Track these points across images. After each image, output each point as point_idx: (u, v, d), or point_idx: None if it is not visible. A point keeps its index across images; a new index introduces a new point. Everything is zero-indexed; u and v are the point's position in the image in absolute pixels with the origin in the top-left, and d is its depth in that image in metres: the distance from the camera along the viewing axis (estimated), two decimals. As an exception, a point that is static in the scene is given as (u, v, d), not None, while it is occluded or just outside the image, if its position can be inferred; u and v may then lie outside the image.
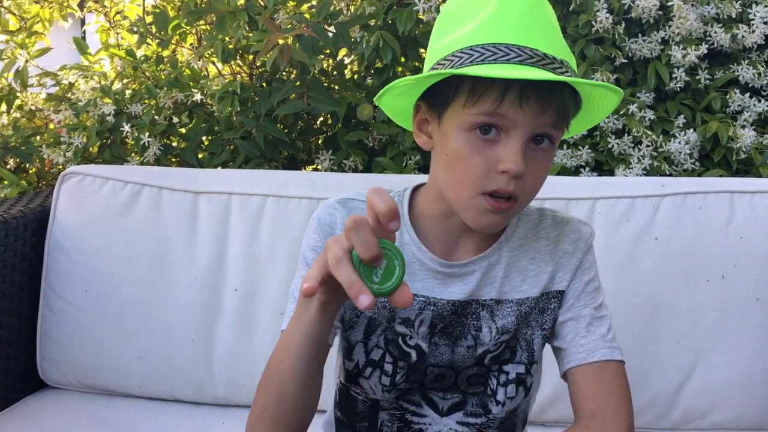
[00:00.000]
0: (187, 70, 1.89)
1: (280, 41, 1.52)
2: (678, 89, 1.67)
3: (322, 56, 1.80)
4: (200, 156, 1.80)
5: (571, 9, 1.70)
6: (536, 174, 0.81)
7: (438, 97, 0.83)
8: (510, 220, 0.87)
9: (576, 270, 0.92)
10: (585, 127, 0.92)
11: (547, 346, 0.96)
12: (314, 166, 1.79)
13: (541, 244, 0.92)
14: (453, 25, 0.83)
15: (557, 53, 0.79)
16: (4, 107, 1.89)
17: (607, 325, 0.90)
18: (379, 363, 0.92)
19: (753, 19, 1.65)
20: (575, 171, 1.65)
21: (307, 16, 1.73)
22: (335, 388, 1.01)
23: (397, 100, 0.89)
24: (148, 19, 1.94)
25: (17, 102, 1.89)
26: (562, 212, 0.96)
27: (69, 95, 1.88)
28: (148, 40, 1.91)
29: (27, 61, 1.85)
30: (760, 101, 1.66)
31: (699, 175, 1.61)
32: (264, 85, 1.79)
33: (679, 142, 1.60)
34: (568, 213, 0.97)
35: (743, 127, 1.62)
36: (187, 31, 1.93)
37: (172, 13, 1.90)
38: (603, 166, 1.68)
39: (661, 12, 1.66)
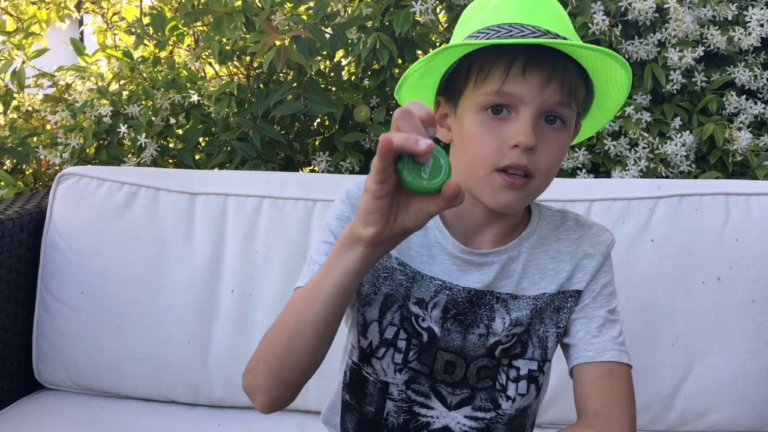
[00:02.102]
0: (184, 71, 1.89)
1: (277, 42, 1.52)
2: (674, 91, 1.68)
3: (319, 57, 1.80)
4: (197, 157, 1.80)
5: (567, 11, 1.70)
6: (550, 152, 0.83)
7: (453, 86, 0.87)
8: (527, 200, 0.88)
9: (595, 272, 0.94)
10: (606, 117, 0.95)
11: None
12: (311, 168, 1.79)
13: (563, 245, 0.94)
14: (467, 20, 0.88)
15: (560, 30, 0.82)
16: (0, 108, 1.89)
17: (618, 328, 0.93)
18: (393, 341, 0.93)
19: (749, 22, 1.65)
20: (572, 173, 1.65)
21: (304, 17, 1.73)
22: (344, 369, 1.00)
23: (417, 96, 0.93)
24: (146, 20, 1.94)
25: (14, 103, 1.89)
26: (584, 216, 0.98)
27: (66, 96, 1.88)
28: (146, 42, 1.91)
29: (24, 62, 1.85)
30: (756, 103, 1.66)
31: (695, 177, 1.61)
32: (261, 86, 1.79)
33: (676, 144, 1.60)
34: (589, 218, 0.98)
35: (739, 129, 1.63)
36: (185, 33, 1.93)
37: (169, 15, 1.90)
38: (599, 168, 1.68)
39: (657, 14, 1.66)
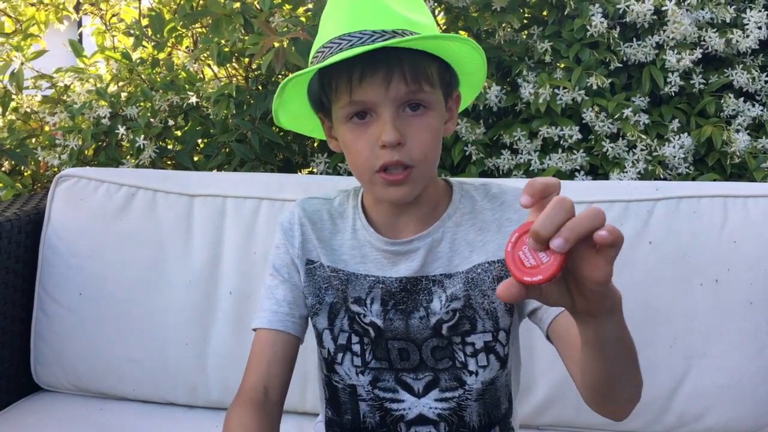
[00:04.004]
0: (182, 72, 1.89)
1: (276, 44, 1.52)
2: (672, 93, 1.68)
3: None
4: (195, 159, 1.80)
5: (566, 13, 1.71)
6: (420, 137, 0.87)
7: (321, 105, 0.93)
8: (418, 188, 0.90)
9: None
10: (479, 78, 0.98)
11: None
12: (309, 169, 1.79)
13: (487, 215, 0.96)
14: (319, 33, 0.91)
15: (390, 26, 0.84)
16: (-1, 109, 1.89)
17: None
18: (348, 346, 0.97)
19: (747, 24, 1.66)
20: (570, 175, 1.65)
21: (302, 19, 1.73)
22: (322, 385, 1.03)
23: (301, 122, 1.00)
24: (144, 21, 1.94)
25: (12, 104, 1.89)
26: (506, 184, 1.00)
27: (64, 98, 1.88)
28: (144, 43, 1.91)
29: (22, 64, 1.85)
30: (754, 106, 1.67)
31: (693, 179, 1.61)
32: (259, 88, 1.79)
33: (674, 146, 1.60)
34: (512, 184, 0.99)
35: (737, 131, 1.63)
36: (183, 34, 1.93)
37: (167, 16, 1.90)
38: (598, 170, 1.68)
39: (655, 17, 1.67)
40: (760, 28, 1.65)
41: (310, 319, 1.00)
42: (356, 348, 0.97)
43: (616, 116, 1.62)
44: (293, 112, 0.98)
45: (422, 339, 0.95)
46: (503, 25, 1.72)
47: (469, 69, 0.94)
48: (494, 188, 0.99)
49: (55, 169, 1.74)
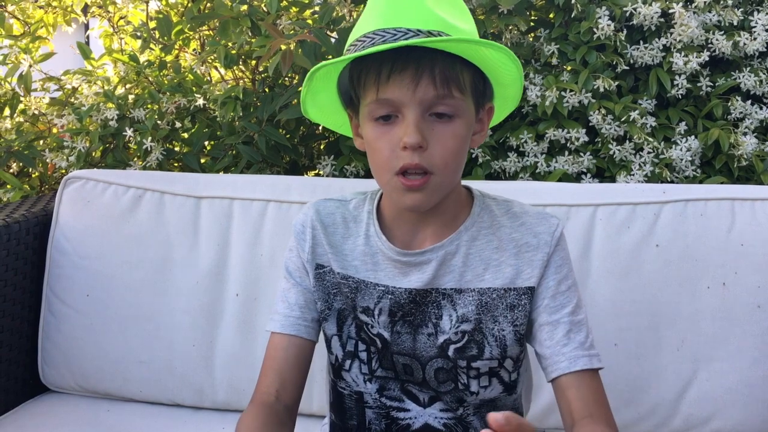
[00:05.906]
0: (189, 75, 1.90)
1: (283, 47, 1.52)
2: (679, 96, 1.68)
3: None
4: (202, 161, 1.80)
5: (572, 16, 1.71)
6: (443, 145, 0.84)
7: (350, 100, 0.92)
8: (434, 197, 0.88)
9: (545, 266, 0.92)
10: (515, 92, 0.95)
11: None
12: (316, 172, 1.80)
13: (504, 233, 0.94)
14: (355, 27, 0.90)
15: (427, 26, 0.82)
16: (7, 111, 1.90)
17: (585, 331, 0.92)
18: (355, 353, 0.96)
19: (755, 27, 1.65)
20: (576, 177, 1.65)
21: (309, 21, 1.73)
22: (328, 388, 1.03)
23: (331, 118, 0.99)
24: (152, 24, 1.95)
25: (21, 106, 1.90)
26: (530, 205, 0.98)
27: (72, 100, 1.89)
28: (152, 46, 1.91)
29: (30, 66, 1.86)
30: (761, 108, 1.66)
31: (700, 182, 1.61)
32: (266, 90, 1.80)
33: (681, 149, 1.60)
34: (536, 207, 0.98)
35: (745, 134, 1.62)
36: (190, 37, 1.94)
37: (175, 19, 1.91)
38: (604, 173, 1.68)
39: (662, 19, 1.66)
40: (767, 30, 1.64)
41: (319, 323, 0.99)
42: (363, 356, 0.96)
43: (622, 119, 1.62)
44: (322, 105, 0.96)
45: (428, 358, 0.94)
46: (510, 27, 1.72)
47: (504, 80, 0.91)
48: (516, 207, 0.96)
49: (63, 171, 1.75)
